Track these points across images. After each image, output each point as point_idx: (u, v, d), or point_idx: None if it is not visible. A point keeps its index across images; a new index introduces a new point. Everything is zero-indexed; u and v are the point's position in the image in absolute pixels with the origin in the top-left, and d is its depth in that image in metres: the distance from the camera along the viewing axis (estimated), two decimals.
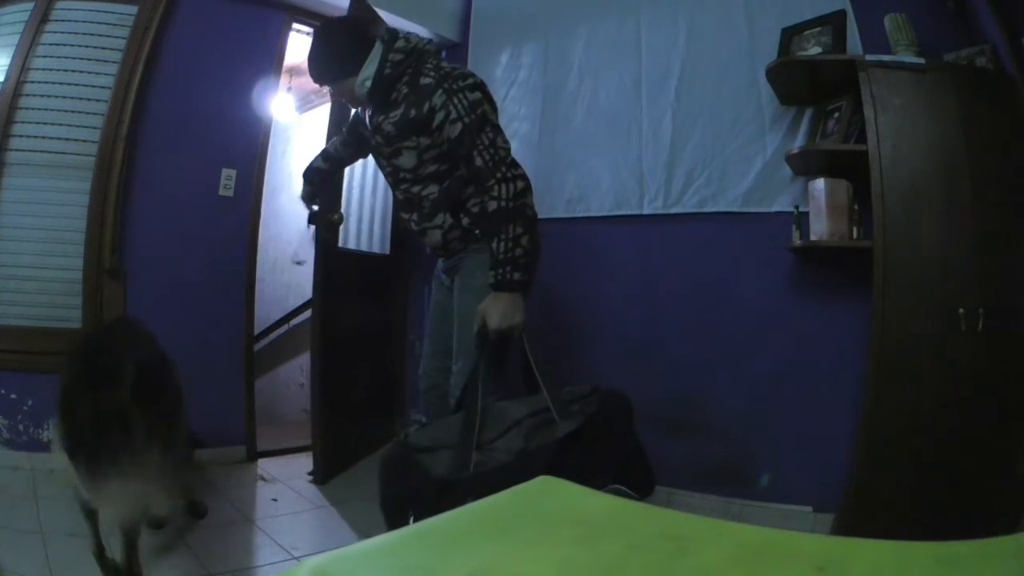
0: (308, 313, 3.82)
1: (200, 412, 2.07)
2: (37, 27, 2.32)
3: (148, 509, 1.48)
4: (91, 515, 1.40)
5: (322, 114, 3.73)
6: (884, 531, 0.92)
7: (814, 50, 1.94)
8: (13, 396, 2.22)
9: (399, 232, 3.09)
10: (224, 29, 2.59)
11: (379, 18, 2.49)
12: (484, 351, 1.36)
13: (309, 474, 2.45)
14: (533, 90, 2.74)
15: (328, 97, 1.75)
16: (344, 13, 2.58)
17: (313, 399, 2.47)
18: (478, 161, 1.42)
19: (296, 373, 3.99)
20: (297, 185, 2.01)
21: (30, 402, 2.22)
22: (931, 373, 1.61)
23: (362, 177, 3.07)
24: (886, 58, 1.75)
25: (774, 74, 1.99)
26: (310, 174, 1.90)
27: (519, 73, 2.80)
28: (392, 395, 3.11)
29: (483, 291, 1.42)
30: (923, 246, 1.64)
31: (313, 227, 2.08)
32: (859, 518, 1.65)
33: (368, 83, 1.50)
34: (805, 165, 2.00)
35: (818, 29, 1.96)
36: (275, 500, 2.21)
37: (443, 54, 3.10)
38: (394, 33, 1.55)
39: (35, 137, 2.31)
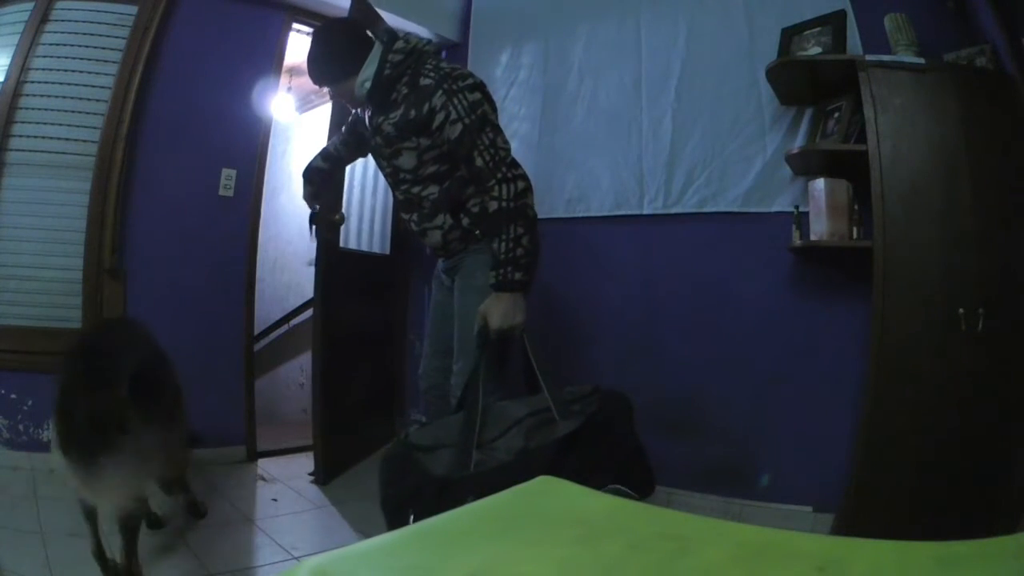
0: (308, 313, 3.84)
1: (200, 412, 2.07)
2: (37, 27, 2.32)
3: (142, 504, 1.47)
4: (91, 515, 1.40)
5: (322, 114, 3.73)
6: (884, 531, 0.92)
7: (814, 50, 1.94)
8: (13, 396, 2.22)
9: (399, 232, 3.09)
10: (224, 29, 2.59)
11: (380, 18, 2.49)
12: (485, 351, 1.36)
13: (310, 474, 2.45)
14: (533, 90, 2.74)
15: (328, 97, 1.75)
16: (344, 13, 2.58)
17: (314, 399, 2.47)
18: (478, 161, 1.42)
19: (296, 373, 3.99)
20: (297, 185, 2.01)
21: (30, 402, 2.22)
22: (931, 373, 1.61)
23: (363, 177, 3.07)
24: (886, 58, 1.75)
25: (774, 74, 1.99)
26: (310, 174, 1.89)
27: (519, 73, 2.80)
28: (392, 395, 3.11)
29: (484, 291, 1.42)
30: (923, 246, 1.64)
31: (314, 227, 2.07)
32: (859, 518, 1.65)
33: (368, 84, 1.50)
34: (805, 165, 2.00)
35: (818, 29, 1.96)
36: (275, 500, 2.21)
37: (443, 54, 3.10)
38: (393, 34, 1.55)
39: (35, 137, 2.31)
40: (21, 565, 1.48)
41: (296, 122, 4.21)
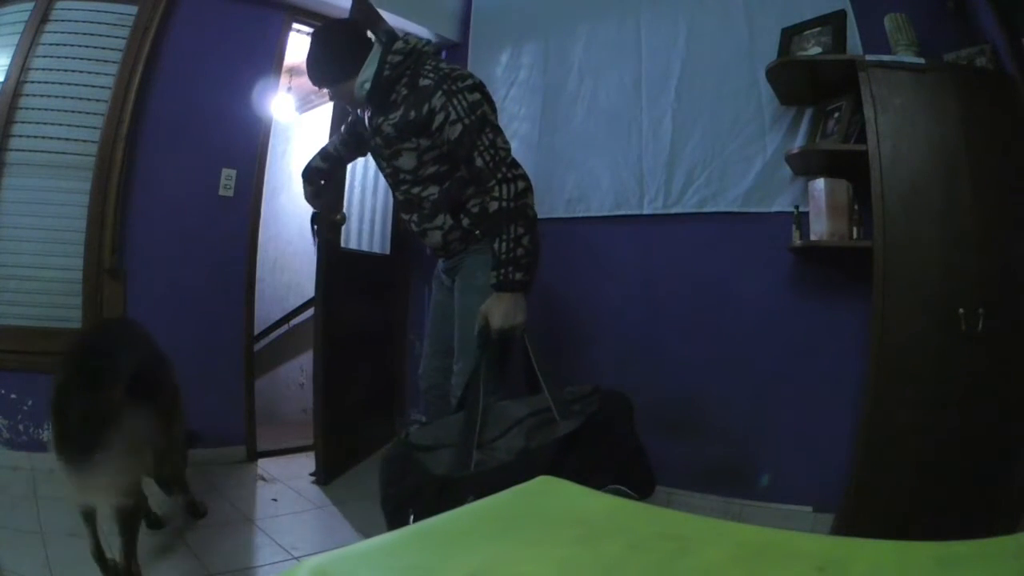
0: (308, 313, 3.84)
1: (200, 412, 2.07)
2: (37, 27, 2.32)
3: (141, 503, 1.47)
4: (89, 516, 1.40)
5: (322, 114, 3.73)
6: (884, 531, 0.92)
7: (814, 50, 1.94)
8: (13, 396, 2.23)
9: (399, 232, 3.09)
10: (224, 29, 2.59)
11: (381, 18, 2.49)
12: (486, 351, 1.36)
13: (311, 475, 2.45)
14: (533, 90, 2.74)
15: (328, 98, 1.75)
16: (344, 13, 2.59)
17: (315, 399, 2.47)
18: (479, 162, 1.42)
19: (296, 373, 3.99)
20: (297, 185, 2.01)
21: (30, 402, 2.22)
22: (931, 373, 1.61)
23: (363, 177, 3.07)
24: (886, 58, 1.75)
25: (774, 74, 1.99)
26: (310, 174, 1.89)
27: (519, 73, 2.80)
28: (392, 395, 3.12)
29: (484, 291, 1.42)
30: (923, 246, 1.64)
31: (315, 227, 2.07)
32: (859, 518, 1.65)
33: (367, 85, 1.50)
34: (805, 165, 2.00)
35: (818, 29, 1.96)
36: (275, 500, 2.21)
37: (443, 54, 3.10)
38: (392, 35, 1.55)
39: (35, 137, 2.31)
40: (21, 565, 1.48)
41: (296, 122, 4.21)
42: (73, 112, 2.34)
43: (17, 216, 2.30)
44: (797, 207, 2.00)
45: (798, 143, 2.04)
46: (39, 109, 2.32)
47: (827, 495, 1.85)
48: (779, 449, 2.05)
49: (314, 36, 1.61)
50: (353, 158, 1.96)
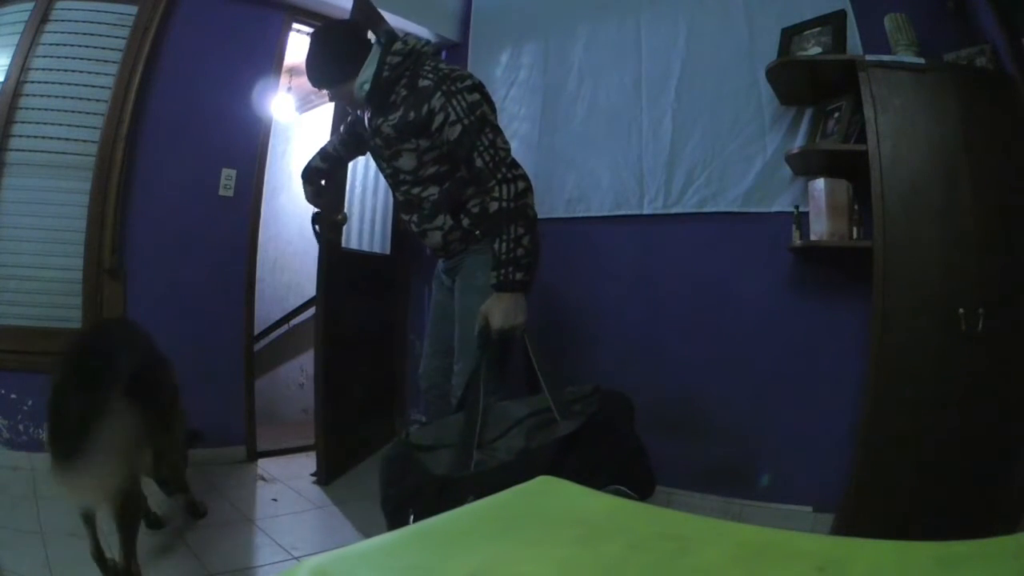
0: (308, 313, 3.84)
1: (200, 412, 2.08)
2: (37, 27, 2.32)
3: (139, 502, 1.47)
4: (89, 516, 1.40)
5: (322, 114, 3.74)
6: (884, 531, 0.92)
7: (814, 50, 1.94)
8: (13, 396, 2.23)
9: (399, 232, 3.09)
10: (224, 29, 2.59)
11: (382, 18, 2.49)
12: (486, 351, 1.36)
13: (312, 475, 2.44)
14: (533, 90, 2.74)
15: (328, 99, 1.76)
16: (344, 13, 2.59)
17: (316, 399, 2.47)
18: (478, 162, 1.42)
19: (296, 373, 4.00)
20: (297, 185, 2.01)
21: (30, 402, 2.22)
22: (931, 373, 1.61)
23: (364, 177, 3.07)
24: (886, 58, 1.75)
25: (774, 74, 1.99)
26: (310, 175, 1.90)
27: (519, 73, 2.80)
28: (392, 395, 3.12)
29: (484, 291, 1.42)
30: (923, 246, 1.64)
31: (316, 227, 2.07)
32: (859, 518, 1.65)
33: (366, 86, 1.50)
34: (805, 165, 2.00)
35: (818, 29, 1.97)
36: (275, 500, 2.21)
37: (443, 54, 3.10)
38: (392, 35, 1.55)
39: (35, 137, 2.31)
40: (21, 565, 1.48)
41: (296, 122, 4.22)
42: (73, 112, 2.34)
43: (17, 216, 2.30)
44: (797, 207, 2.00)
45: (798, 143, 2.04)
46: (39, 109, 2.32)
47: (827, 495, 1.85)
48: (779, 449, 2.05)
49: (313, 37, 1.61)
50: (353, 157, 1.96)
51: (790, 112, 2.09)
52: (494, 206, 1.41)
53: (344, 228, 2.69)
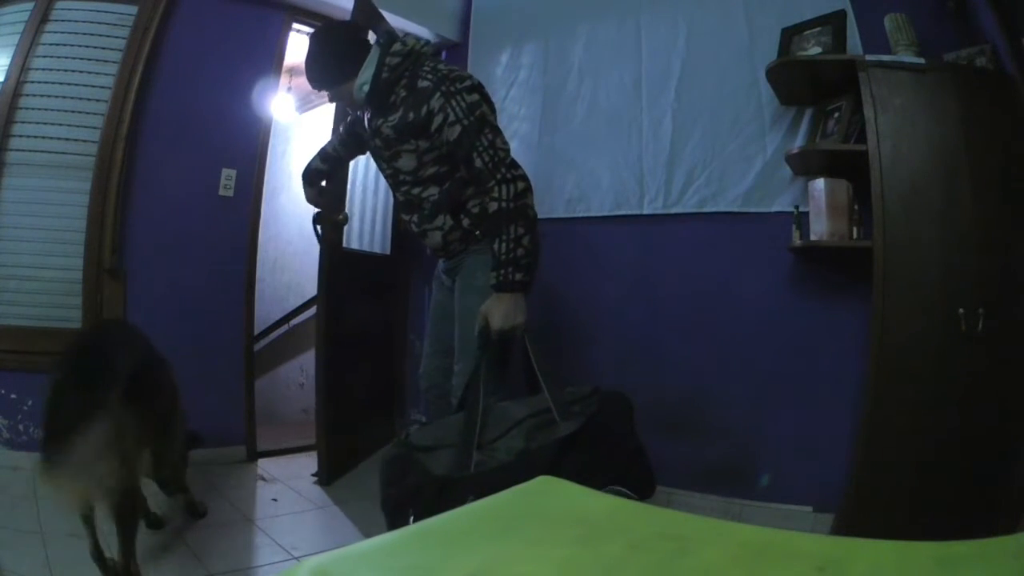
0: (308, 313, 3.84)
1: (200, 412, 2.07)
2: (37, 27, 2.32)
3: (137, 501, 1.46)
4: (88, 517, 1.40)
5: (322, 114, 3.74)
6: (884, 531, 0.92)
7: (814, 50, 1.94)
8: (13, 396, 2.23)
9: (399, 232, 3.09)
10: (224, 29, 2.59)
11: (383, 18, 2.49)
12: (486, 351, 1.36)
13: (313, 475, 2.44)
14: (533, 90, 2.74)
15: (328, 100, 1.76)
16: (344, 13, 2.59)
17: (318, 399, 2.47)
18: (478, 163, 1.42)
19: (296, 373, 4.00)
20: (297, 185, 2.01)
21: (30, 402, 2.22)
22: (931, 373, 1.61)
23: (364, 178, 3.07)
24: (886, 58, 1.75)
25: (774, 74, 1.99)
26: (310, 176, 1.90)
27: (519, 73, 2.80)
28: (393, 395, 3.12)
29: (484, 291, 1.42)
30: (923, 246, 1.64)
31: (318, 227, 2.07)
32: (859, 518, 1.65)
33: (366, 87, 1.50)
34: (805, 165, 2.00)
35: (818, 29, 1.96)
36: (275, 500, 2.21)
37: (443, 54, 3.10)
38: (391, 36, 1.55)
39: (35, 137, 2.31)
40: (21, 565, 1.48)
41: (296, 122, 4.22)
42: (73, 112, 2.34)
43: (17, 216, 2.30)
44: (797, 207, 2.00)
45: (798, 143, 2.04)
46: (39, 109, 2.32)
47: (827, 495, 1.85)
48: (779, 449, 2.05)
49: (312, 38, 1.61)
50: (353, 157, 1.96)
51: (790, 112, 2.09)
52: (493, 206, 1.41)
53: (345, 228, 2.69)
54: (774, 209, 2.09)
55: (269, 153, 2.81)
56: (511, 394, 1.39)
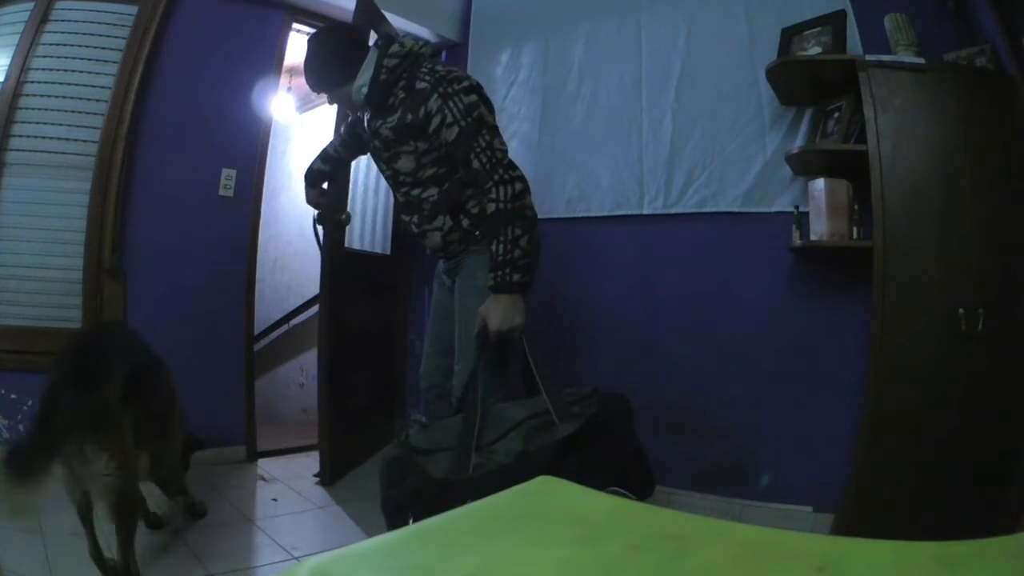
0: (308, 313, 3.84)
1: (200, 412, 2.08)
2: (37, 27, 2.32)
3: (135, 499, 1.46)
4: (86, 516, 1.40)
5: (322, 114, 3.74)
6: (884, 531, 0.92)
7: (814, 50, 1.94)
8: (13, 396, 2.22)
9: (400, 232, 3.09)
10: (224, 29, 2.59)
11: (384, 18, 2.49)
12: (484, 353, 1.36)
13: (315, 476, 2.44)
14: (533, 90, 2.74)
15: (328, 102, 1.76)
16: (344, 13, 2.59)
17: (320, 399, 2.46)
18: (475, 164, 1.42)
19: (296, 373, 4.00)
20: (297, 185, 2.01)
21: (30, 402, 2.22)
22: (931, 373, 1.61)
23: (365, 178, 3.08)
24: (886, 58, 1.75)
25: (774, 74, 1.99)
26: (312, 177, 1.90)
27: (519, 73, 2.80)
28: (393, 395, 3.12)
29: (484, 292, 1.42)
30: (923, 246, 1.63)
31: (319, 228, 2.07)
32: (859, 518, 1.65)
33: (364, 89, 1.51)
34: (805, 165, 2.00)
35: (818, 29, 1.96)
36: (275, 500, 2.21)
37: (443, 55, 3.10)
38: (389, 38, 1.55)
39: (35, 137, 2.31)
40: (21, 565, 1.49)
41: (296, 122, 4.22)
42: (73, 112, 2.34)
43: (17, 216, 2.30)
44: (797, 207, 2.00)
45: (798, 143, 2.04)
46: (39, 109, 2.32)
47: (827, 495, 1.85)
48: (779, 449, 2.04)
49: (310, 41, 1.61)
50: (354, 158, 1.96)
51: (790, 112, 2.09)
52: (491, 207, 1.41)
53: (346, 228, 2.68)
54: (774, 209, 2.09)
55: (269, 153, 2.81)
56: (510, 395, 1.39)
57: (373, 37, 2.02)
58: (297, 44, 2.77)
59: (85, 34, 2.37)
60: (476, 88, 1.48)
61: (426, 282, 2.76)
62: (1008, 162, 1.65)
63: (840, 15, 1.94)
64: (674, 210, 2.30)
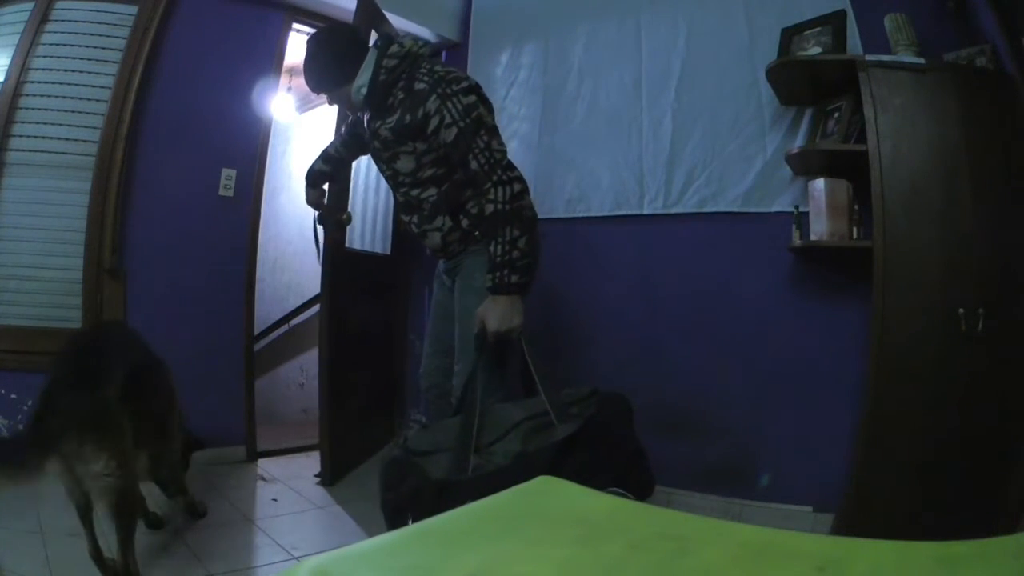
0: (308, 313, 3.84)
1: (200, 412, 2.08)
2: (37, 27, 2.32)
3: (134, 498, 1.46)
4: (86, 516, 1.41)
5: (322, 114, 3.74)
6: (884, 531, 0.92)
7: (814, 50, 1.94)
8: (13, 396, 2.22)
9: (400, 232, 3.09)
10: (224, 29, 2.59)
11: (385, 18, 2.49)
12: (483, 354, 1.36)
13: (316, 476, 2.44)
14: (533, 90, 2.74)
15: (328, 102, 1.76)
16: (344, 13, 2.59)
17: (321, 400, 2.46)
18: (474, 164, 1.42)
19: (296, 373, 4.00)
20: (297, 185, 2.01)
21: (30, 402, 2.21)
22: (931, 373, 1.61)
23: (365, 177, 3.08)
24: (886, 58, 1.75)
25: (774, 74, 1.99)
26: (313, 177, 1.90)
27: (519, 73, 2.80)
28: (394, 395, 3.12)
29: (483, 292, 1.42)
30: (923, 246, 1.63)
31: (319, 228, 2.08)
32: (859, 518, 1.65)
33: (363, 90, 1.51)
34: (805, 165, 2.00)
35: (818, 29, 1.96)
36: (275, 500, 2.21)
37: (443, 55, 3.10)
38: (388, 38, 1.55)
39: (35, 137, 2.31)
40: (21, 565, 1.49)
41: (296, 122, 4.22)
42: (73, 112, 2.34)
43: (17, 216, 2.30)
44: (797, 207, 2.00)
45: (798, 143, 2.04)
46: (39, 109, 2.32)
47: (827, 495, 1.85)
48: (779, 449, 2.04)
49: (310, 42, 1.61)
50: (355, 158, 1.97)
51: (790, 112, 2.09)
52: (489, 208, 1.41)
53: (346, 228, 2.68)
54: (774, 209, 2.09)
55: (269, 153, 2.81)
56: (509, 396, 1.39)
57: (374, 37, 2.01)
58: (297, 44, 2.77)
59: (85, 34, 2.37)
60: (475, 88, 1.48)
61: (426, 282, 2.76)
62: (1008, 162, 1.65)
63: (840, 15, 1.94)
64: (674, 210, 2.30)
